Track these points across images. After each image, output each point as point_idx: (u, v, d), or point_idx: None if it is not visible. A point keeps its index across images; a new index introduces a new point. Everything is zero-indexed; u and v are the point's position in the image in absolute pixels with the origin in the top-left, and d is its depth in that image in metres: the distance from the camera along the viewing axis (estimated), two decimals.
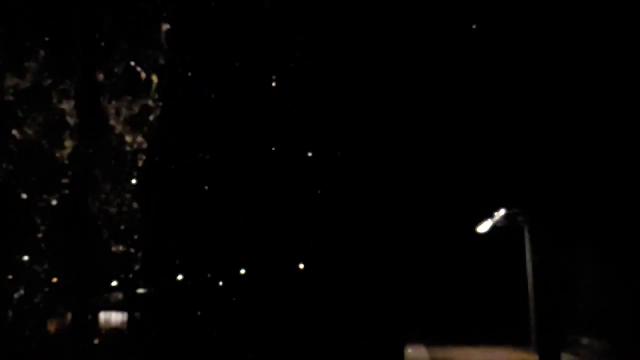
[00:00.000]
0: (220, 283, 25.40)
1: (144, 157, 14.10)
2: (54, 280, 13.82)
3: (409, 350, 12.66)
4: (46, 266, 13.36)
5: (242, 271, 25.38)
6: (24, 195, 12.59)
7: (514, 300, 13.86)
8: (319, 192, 20.35)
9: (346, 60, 18.04)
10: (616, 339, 9.87)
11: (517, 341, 13.10)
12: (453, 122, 16.55)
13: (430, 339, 14.20)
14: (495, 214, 12.60)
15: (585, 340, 11.00)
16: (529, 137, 12.41)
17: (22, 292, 13.00)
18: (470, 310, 16.74)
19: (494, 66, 13.84)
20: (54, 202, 12.96)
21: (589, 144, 10.66)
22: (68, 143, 12.92)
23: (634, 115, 9.59)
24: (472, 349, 13.03)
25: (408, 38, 16.63)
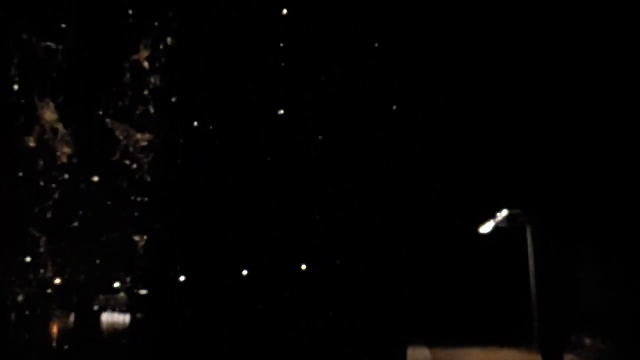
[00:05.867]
0: (222, 284, 25.41)
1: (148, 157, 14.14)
2: (57, 281, 13.85)
3: (412, 351, 12.64)
4: (49, 267, 13.38)
5: (244, 272, 25.37)
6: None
7: (517, 301, 13.86)
8: (321, 193, 20.35)
9: (348, 61, 18.06)
10: (619, 339, 9.85)
11: (519, 342, 13.09)
12: (455, 123, 16.55)
13: (433, 340, 14.19)
14: (498, 214, 12.60)
15: (587, 341, 10.98)
16: (530, 138, 12.39)
17: (24, 293, 13.02)
18: (472, 310, 16.73)
19: (495, 67, 13.83)
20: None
21: (590, 144, 10.65)
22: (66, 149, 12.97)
23: (636, 115, 9.58)
24: (475, 350, 13.00)
25: (410, 38, 16.64)
